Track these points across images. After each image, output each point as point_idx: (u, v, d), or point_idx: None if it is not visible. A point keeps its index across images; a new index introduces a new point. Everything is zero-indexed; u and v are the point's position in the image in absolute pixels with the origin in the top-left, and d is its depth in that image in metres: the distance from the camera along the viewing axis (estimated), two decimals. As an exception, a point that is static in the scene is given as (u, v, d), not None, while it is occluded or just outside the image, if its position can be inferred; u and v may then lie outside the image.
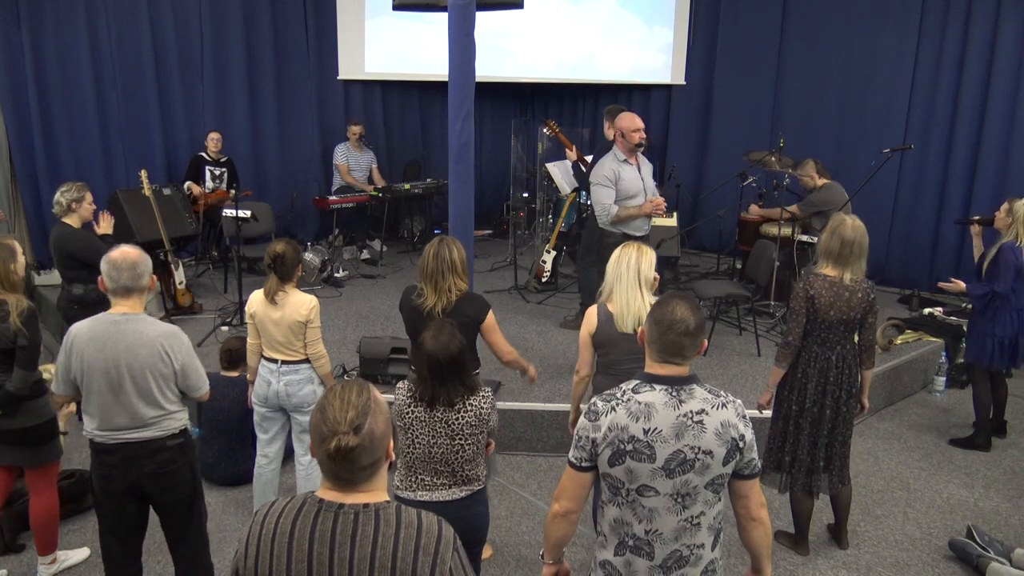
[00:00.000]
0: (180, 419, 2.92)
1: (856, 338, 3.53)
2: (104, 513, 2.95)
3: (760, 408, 3.74)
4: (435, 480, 2.73)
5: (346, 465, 1.52)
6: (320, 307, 3.62)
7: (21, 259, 3.39)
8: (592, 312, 3.20)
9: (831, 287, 3.40)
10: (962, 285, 4.64)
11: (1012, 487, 4.44)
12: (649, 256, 3.13)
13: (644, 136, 5.06)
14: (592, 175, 5.25)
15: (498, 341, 3.45)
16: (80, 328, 2.83)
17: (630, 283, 3.08)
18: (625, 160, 5.10)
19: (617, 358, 3.14)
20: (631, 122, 5.09)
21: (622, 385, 2.10)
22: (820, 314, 3.41)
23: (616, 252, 3.16)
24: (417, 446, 2.70)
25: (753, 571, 2.28)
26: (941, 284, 4.79)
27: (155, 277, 2.93)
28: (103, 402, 2.79)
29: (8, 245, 3.34)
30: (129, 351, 2.76)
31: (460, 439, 2.69)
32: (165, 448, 2.86)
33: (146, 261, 2.86)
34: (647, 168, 5.22)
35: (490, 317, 3.37)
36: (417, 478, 2.73)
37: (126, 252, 2.83)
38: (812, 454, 3.57)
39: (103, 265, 2.81)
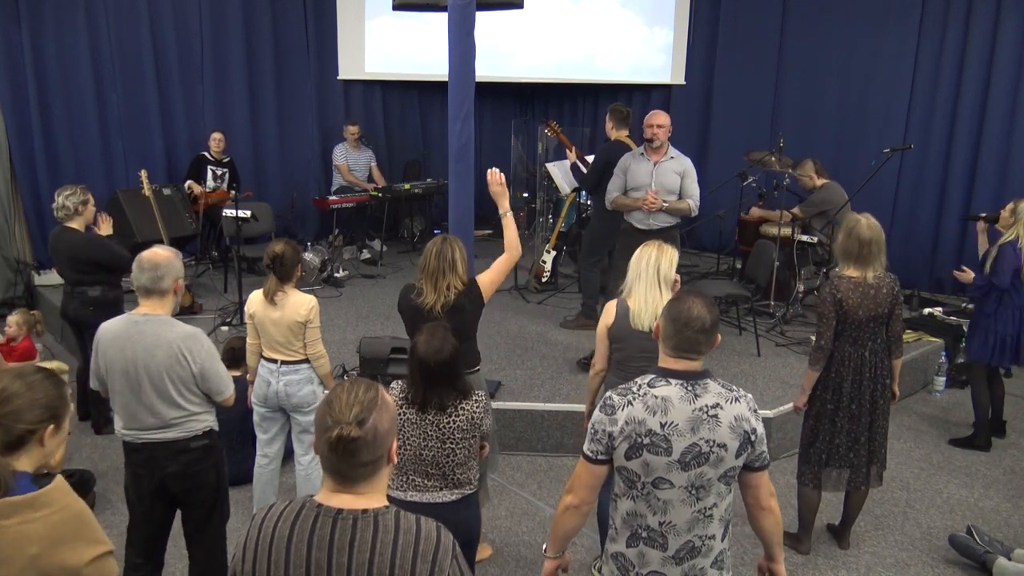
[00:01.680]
0: (205, 420, 2.92)
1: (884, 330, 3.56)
2: (133, 512, 2.99)
3: (797, 410, 3.74)
4: (426, 482, 2.72)
5: (347, 459, 1.52)
6: (320, 307, 3.62)
7: None
8: (611, 306, 3.20)
9: (857, 288, 3.42)
10: (971, 275, 4.69)
11: (1012, 487, 4.44)
12: (669, 255, 3.13)
13: (655, 131, 5.03)
14: None
15: (497, 272, 3.40)
16: (106, 327, 2.86)
17: (649, 281, 3.09)
18: (642, 154, 5.14)
19: (630, 355, 3.14)
20: (647, 117, 5.16)
21: (637, 379, 2.13)
22: (850, 315, 3.43)
23: (638, 250, 3.18)
24: (408, 448, 2.69)
25: (766, 559, 2.31)
26: (955, 273, 4.85)
27: (180, 282, 2.91)
28: (125, 401, 2.81)
29: None
30: (147, 352, 2.77)
31: (451, 443, 2.69)
32: (189, 449, 2.87)
33: (171, 265, 2.84)
34: (672, 165, 5.11)
35: (483, 280, 3.35)
36: (408, 479, 2.73)
37: (155, 254, 2.84)
38: (854, 450, 3.57)
39: (134, 263, 2.84)
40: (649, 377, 2.12)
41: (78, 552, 1.69)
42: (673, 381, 2.08)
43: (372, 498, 1.57)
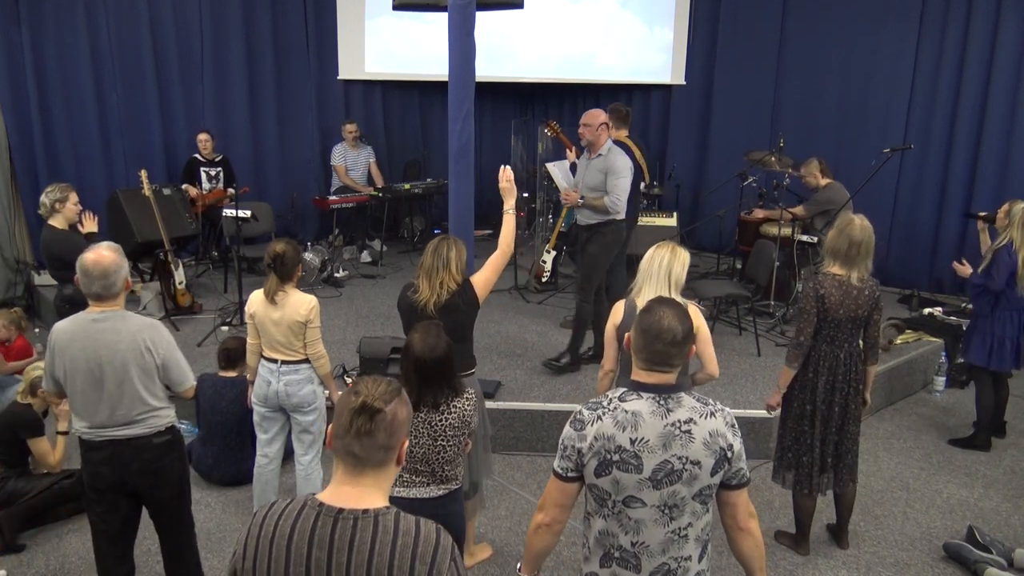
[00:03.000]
0: (167, 416, 2.91)
1: (861, 335, 3.55)
2: (94, 511, 2.94)
3: (769, 409, 3.74)
4: (413, 478, 2.73)
5: (364, 436, 1.54)
6: (320, 307, 3.62)
7: None
8: (619, 306, 3.19)
9: (840, 286, 3.42)
10: (969, 270, 4.71)
11: (1012, 487, 4.44)
12: (682, 258, 3.13)
13: (581, 131, 5.08)
14: None
15: (492, 271, 3.41)
16: (60, 327, 2.81)
17: (659, 283, 3.09)
18: (583, 153, 5.26)
19: None
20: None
21: (608, 393, 2.07)
22: (830, 313, 3.43)
23: (651, 250, 3.17)
24: None
25: None
26: (955, 264, 4.90)
27: (130, 280, 2.88)
28: (86, 400, 2.78)
29: None
30: (109, 348, 2.75)
31: (442, 440, 2.70)
32: (151, 446, 2.85)
33: (119, 268, 2.79)
34: (598, 163, 5.07)
35: (477, 280, 3.37)
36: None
37: (99, 259, 2.76)
38: (822, 451, 3.57)
39: (77, 266, 2.77)
40: (621, 391, 2.04)
41: None
42: (644, 395, 1.99)
43: (375, 496, 1.58)
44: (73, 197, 4.52)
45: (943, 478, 4.53)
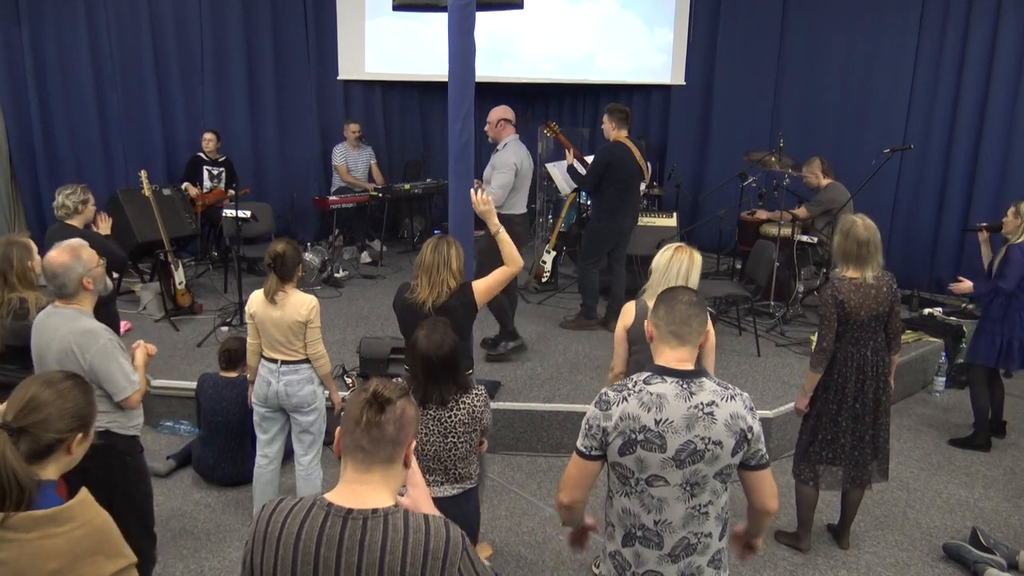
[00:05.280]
0: (99, 420, 2.86)
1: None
2: None
3: (798, 412, 3.72)
4: (427, 477, 2.74)
5: (374, 428, 1.55)
6: (320, 307, 3.62)
7: (37, 257, 3.37)
8: (630, 307, 3.18)
9: (857, 289, 3.43)
10: (969, 285, 4.65)
11: (1012, 487, 4.44)
12: (698, 264, 3.12)
13: (486, 129, 5.27)
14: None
15: (494, 280, 3.36)
16: (38, 314, 2.96)
17: None
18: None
19: (648, 356, 3.13)
20: None
21: (632, 376, 2.14)
22: (852, 316, 3.44)
23: (668, 253, 3.14)
24: None
25: (747, 533, 2.36)
26: (951, 286, 4.82)
27: (87, 279, 2.85)
28: None
29: (24, 243, 3.36)
30: (47, 344, 2.84)
31: (453, 437, 2.71)
32: None
33: (70, 269, 2.79)
34: (495, 158, 5.27)
35: (478, 285, 3.33)
36: None
37: (50, 259, 2.79)
38: (858, 448, 3.58)
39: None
40: (645, 374, 2.12)
41: (98, 567, 1.67)
42: (669, 379, 2.08)
43: (383, 495, 1.59)
44: (92, 199, 4.57)
45: (943, 478, 4.53)
